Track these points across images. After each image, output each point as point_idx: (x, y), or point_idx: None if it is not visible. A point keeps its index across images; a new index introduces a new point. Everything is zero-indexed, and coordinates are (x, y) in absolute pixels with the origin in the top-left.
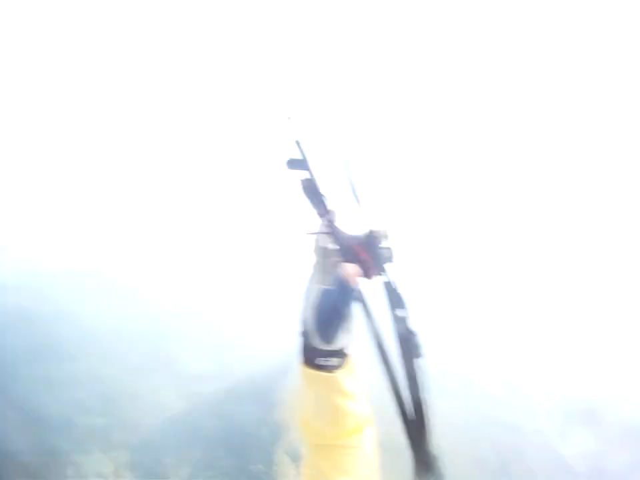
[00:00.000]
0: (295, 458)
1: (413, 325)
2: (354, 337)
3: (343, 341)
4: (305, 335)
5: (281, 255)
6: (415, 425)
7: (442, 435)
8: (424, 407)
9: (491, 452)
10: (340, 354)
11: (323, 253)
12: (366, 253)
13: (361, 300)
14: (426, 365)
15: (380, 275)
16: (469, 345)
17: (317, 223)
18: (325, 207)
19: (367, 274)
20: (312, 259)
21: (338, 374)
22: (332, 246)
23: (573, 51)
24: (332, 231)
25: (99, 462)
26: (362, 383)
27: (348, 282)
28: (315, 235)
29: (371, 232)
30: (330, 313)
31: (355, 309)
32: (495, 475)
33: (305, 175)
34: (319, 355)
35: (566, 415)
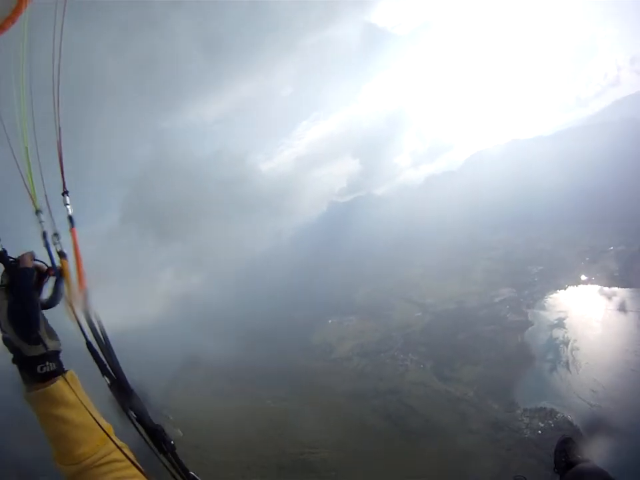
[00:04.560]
0: None
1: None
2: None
3: (51, 341)
4: (15, 353)
5: None
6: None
7: None
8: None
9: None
10: (54, 357)
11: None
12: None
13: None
14: None
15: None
16: None
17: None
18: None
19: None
20: None
21: (57, 384)
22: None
23: None
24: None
25: None
26: (82, 389)
27: (24, 265)
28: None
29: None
30: (20, 303)
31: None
32: None
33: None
34: (35, 364)
35: None
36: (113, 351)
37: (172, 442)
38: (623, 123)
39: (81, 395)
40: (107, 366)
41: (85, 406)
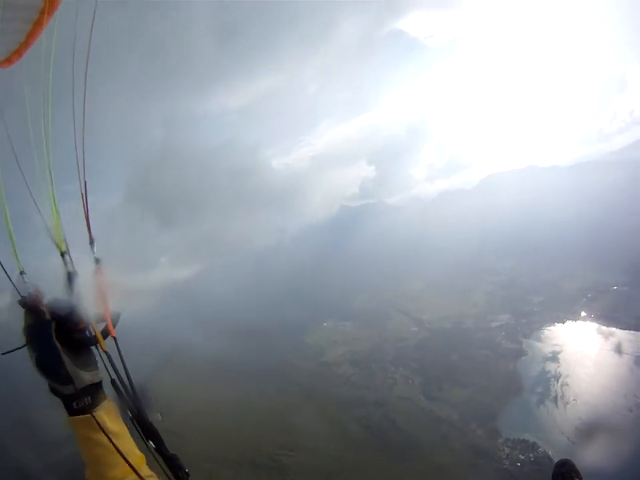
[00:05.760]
0: None
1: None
2: (98, 372)
3: (83, 376)
4: (53, 391)
5: None
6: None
7: None
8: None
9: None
10: (90, 391)
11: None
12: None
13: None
14: None
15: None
16: None
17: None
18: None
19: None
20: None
21: (98, 413)
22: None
23: None
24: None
25: None
26: (121, 420)
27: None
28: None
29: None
30: (42, 351)
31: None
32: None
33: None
34: (70, 400)
35: None
36: (134, 387)
37: (187, 470)
38: None
39: (118, 424)
40: (130, 401)
41: (121, 434)
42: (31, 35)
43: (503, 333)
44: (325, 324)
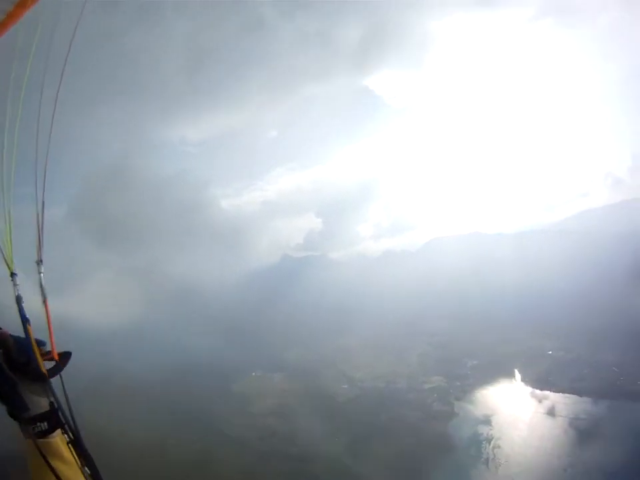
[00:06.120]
0: None
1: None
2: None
3: (39, 402)
4: (10, 413)
5: None
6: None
7: None
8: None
9: None
10: (47, 416)
11: None
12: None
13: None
14: None
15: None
16: None
17: None
18: None
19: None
20: None
21: (54, 440)
22: None
23: None
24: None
25: None
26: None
27: None
28: None
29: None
30: None
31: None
32: None
33: None
34: (28, 424)
35: None
36: (73, 413)
37: None
38: (585, 234)
39: (71, 455)
40: (67, 426)
41: (74, 464)
42: (2, 25)
43: (435, 395)
44: (254, 373)
